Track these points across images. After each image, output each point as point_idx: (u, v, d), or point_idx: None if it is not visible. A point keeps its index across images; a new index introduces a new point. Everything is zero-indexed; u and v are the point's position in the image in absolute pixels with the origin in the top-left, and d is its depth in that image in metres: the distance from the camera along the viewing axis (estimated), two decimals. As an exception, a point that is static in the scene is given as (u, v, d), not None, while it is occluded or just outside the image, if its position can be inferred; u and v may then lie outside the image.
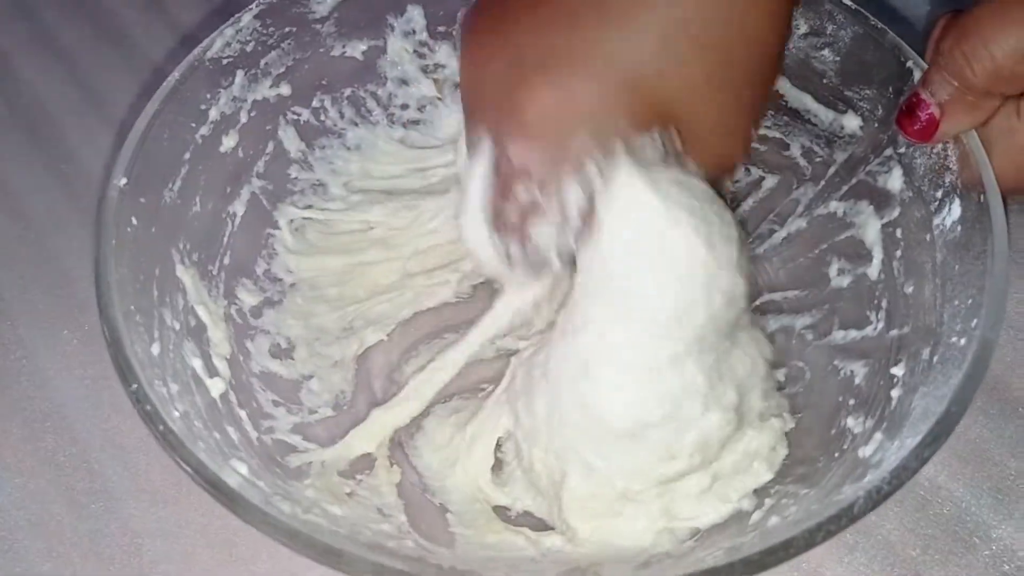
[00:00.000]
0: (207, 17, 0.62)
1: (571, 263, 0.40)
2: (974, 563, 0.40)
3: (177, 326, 0.40)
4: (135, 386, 0.34)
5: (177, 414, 0.35)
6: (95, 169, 0.55)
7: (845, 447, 0.39)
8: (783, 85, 0.49)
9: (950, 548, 0.41)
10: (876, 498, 0.31)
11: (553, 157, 0.37)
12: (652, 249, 0.37)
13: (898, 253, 0.43)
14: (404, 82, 0.53)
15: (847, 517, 0.31)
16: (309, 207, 0.50)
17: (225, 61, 0.45)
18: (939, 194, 0.41)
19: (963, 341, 0.36)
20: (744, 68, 0.38)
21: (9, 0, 0.65)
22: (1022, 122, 0.40)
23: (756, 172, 0.51)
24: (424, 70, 0.53)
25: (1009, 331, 0.46)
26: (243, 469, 0.35)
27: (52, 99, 0.59)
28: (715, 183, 0.39)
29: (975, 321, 0.36)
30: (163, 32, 0.62)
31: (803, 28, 0.47)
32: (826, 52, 0.47)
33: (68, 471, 0.44)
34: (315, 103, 0.51)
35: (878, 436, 0.37)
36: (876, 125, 0.45)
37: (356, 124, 0.52)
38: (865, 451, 0.36)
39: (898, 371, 0.39)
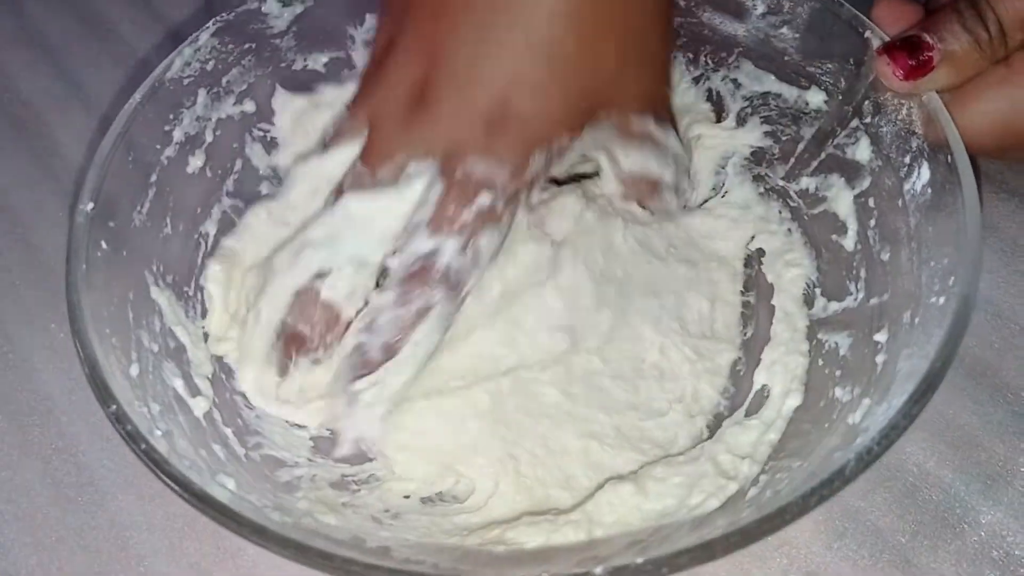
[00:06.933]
0: (192, 11, 0.62)
1: None
2: (963, 549, 0.40)
3: (155, 348, 0.40)
4: (114, 407, 0.34)
5: (159, 433, 0.34)
6: (81, 163, 0.55)
7: (835, 417, 0.39)
8: (745, 67, 0.49)
9: (939, 534, 0.40)
10: (867, 458, 0.31)
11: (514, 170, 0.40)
12: None
13: (872, 222, 0.43)
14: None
15: (839, 479, 0.30)
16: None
17: (186, 81, 0.45)
18: (907, 159, 0.41)
19: (942, 300, 0.36)
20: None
21: (-8, -5, 0.65)
22: (1014, 71, 0.40)
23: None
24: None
25: (997, 318, 0.46)
26: (230, 484, 0.35)
27: (37, 93, 0.59)
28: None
29: (952, 279, 0.36)
30: (149, 25, 0.62)
31: (761, 8, 0.47)
32: (785, 30, 0.47)
33: (55, 465, 0.44)
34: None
35: (866, 402, 0.37)
36: (840, 98, 0.45)
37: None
38: (854, 418, 0.36)
39: (881, 337, 0.39)
